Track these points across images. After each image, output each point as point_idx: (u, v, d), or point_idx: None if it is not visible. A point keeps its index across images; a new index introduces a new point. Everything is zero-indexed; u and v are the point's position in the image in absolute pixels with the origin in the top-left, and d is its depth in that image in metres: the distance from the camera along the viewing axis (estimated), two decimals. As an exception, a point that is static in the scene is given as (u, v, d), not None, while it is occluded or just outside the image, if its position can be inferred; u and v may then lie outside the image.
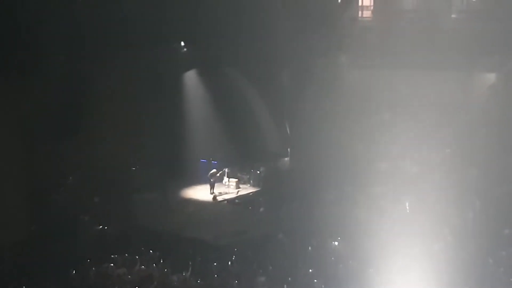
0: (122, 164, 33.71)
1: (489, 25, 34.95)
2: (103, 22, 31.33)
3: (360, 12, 39.18)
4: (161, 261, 24.53)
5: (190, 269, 23.95)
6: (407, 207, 29.31)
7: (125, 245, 26.04)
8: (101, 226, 28.49)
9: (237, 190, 34.92)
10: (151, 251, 25.40)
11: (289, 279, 23.26)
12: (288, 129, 38.00)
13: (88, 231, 28.09)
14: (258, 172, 35.81)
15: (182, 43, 36.27)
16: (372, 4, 38.82)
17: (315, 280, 23.08)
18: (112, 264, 24.18)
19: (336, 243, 25.94)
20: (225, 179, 35.22)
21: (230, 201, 33.68)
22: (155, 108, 34.66)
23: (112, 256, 24.83)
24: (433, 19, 36.47)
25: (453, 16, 37.48)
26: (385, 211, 28.81)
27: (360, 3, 38.54)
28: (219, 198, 33.92)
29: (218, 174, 34.73)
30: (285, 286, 22.85)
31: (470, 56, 34.94)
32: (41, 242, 26.53)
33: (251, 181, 35.79)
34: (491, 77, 36.74)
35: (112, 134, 33.09)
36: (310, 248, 25.64)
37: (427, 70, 35.57)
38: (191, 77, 37.23)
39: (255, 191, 34.89)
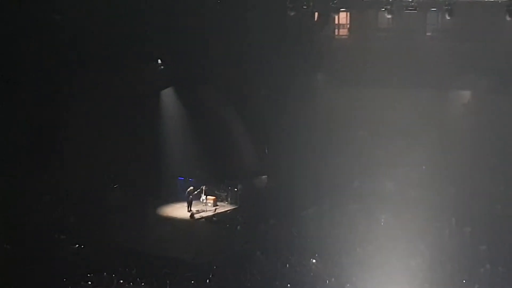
0: (98, 183, 33.55)
1: (463, 43, 35.40)
2: (80, 40, 31.28)
3: (336, 31, 39.50)
4: (138, 280, 24.37)
5: (167, 287, 23.86)
6: (382, 223, 29.44)
7: (102, 264, 25.84)
8: (77, 245, 28.25)
9: (214, 207, 34.85)
10: (127, 269, 25.25)
11: (267, 296, 23.30)
12: (266, 147, 38.05)
13: (64, 250, 27.82)
14: (236, 189, 35.77)
15: (159, 61, 36.28)
16: (348, 22, 39.14)
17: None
18: (89, 283, 24.01)
19: (314, 260, 25.98)
20: (203, 196, 35.12)
21: (207, 218, 33.58)
22: (132, 126, 34.58)
23: (88, 275, 24.66)
24: (408, 37, 36.86)
25: (428, 34, 37.89)
26: (362, 228, 28.91)
27: (336, 22, 38.83)
28: (197, 216, 33.81)
29: (195, 192, 34.64)
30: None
31: (445, 74, 35.34)
32: (16, 261, 26.23)
33: (229, 199, 35.73)
34: (465, 95, 37.13)
35: (88, 152, 32.92)
36: (287, 265, 25.65)
37: (403, 88, 35.89)
38: (168, 95, 37.23)
39: (233, 209, 34.84)
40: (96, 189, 33.04)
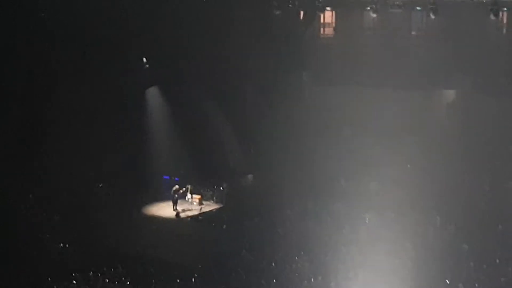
0: (83, 181, 33.43)
1: (448, 43, 35.57)
2: (65, 38, 31.17)
3: (322, 29, 39.60)
4: (123, 279, 24.35)
5: (153, 286, 23.85)
6: (367, 221, 29.53)
7: (87, 263, 25.78)
8: (62, 244, 28.15)
9: (200, 206, 34.82)
10: (113, 269, 25.21)
11: (253, 295, 23.34)
12: (251, 146, 38.06)
13: (49, 250, 27.73)
14: (221, 188, 35.76)
15: (144, 59, 36.21)
16: (333, 21, 39.25)
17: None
18: (74, 282, 23.95)
19: (299, 259, 26.04)
20: (188, 195, 35.09)
21: (193, 217, 33.55)
22: (117, 125, 34.47)
23: (73, 274, 24.60)
24: (393, 36, 37.01)
25: (413, 33, 38.06)
26: (347, 227, 29.00)
27: (321, 20, 38.93)
28: (182, 215, 33.77)
29: (181, 191, 34.60)
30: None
31: (430, 73, 35.51)
32: (0, 261, 26.12)
33: (214, 198, 35.72)
34: (450, 94, 37.32)
35: (73, 151, 32.80)
36: (273, 264, 25.70)
37: (387, 87, 36.03)
38: (153, 94, 37.17)
39: (218, 208, 34.82)
40: (81, 188, 32.91)
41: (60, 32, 31.02)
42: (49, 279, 24.27)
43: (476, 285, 23.73)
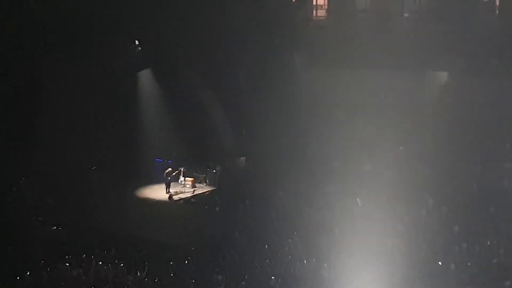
0: (76, 164, 33.39)
1: (441, 24, 35.54)
2: (56, 21, 31.00)
3: (314, 12, 39.48)
4: (117, 262, 24.39)
5: (146, 269, 23.92)
6: (359, 203, 29.58)
7: (80, 246, 25.81)
8: (55, 227, 28.16)
9: (193, 189, 34.88)
10: (106, 251, 25.24)
11: (246, 277, 23.41)
12: (243, 129, 38.02)
13: (42, 233, 27.73)
14: (214, 171, 35.81)
15: (137, 42, 36.06)
16: (326, 3, 39.13)
17: (272, 277, 23.25)
18: (67, 265, 23.99)
19: (292, 240, 26.11)
20: (181, 178, 35.12)
21: (186, 200, 33.61)
22: (110, 108, 34.40)
23: (66, 257, 24.63)
24: (386, 18, 36.93)
25: (405, 15, 37.99)
26: (340, 208, 29.05)
27: (314, 3, 38.82)
28: (175, 198, 33.83)
29: (174, 174, 34.62)
30: (242, 284, 22.95)
31: (422, 55, 35.47)
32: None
33: (207, 180, 35.77)
34: (442, 76, 37.30)
35: (66, 134, 32.74)
36: (266, 246, 25.77)
37: (380, 69, 35.98)
38: (146, 77, 37.05)
39: (211, 190, 34.88)
40: (74, 171, 32.87)
41: (51, 15, 30.83)
42: (42, 261, 24.29)
43: (468, 266, 23.86)
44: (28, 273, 23.43)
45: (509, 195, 29.79)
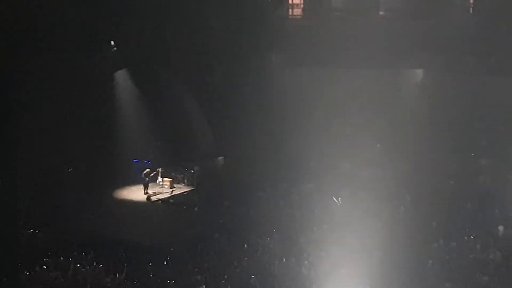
0: (52, 166, 33.15)
1: (416, 22, 35.75)
2: (32, 21, 30.76)
3: (290, 10, 39.56)
4: (95, 264, 24.25)
5: (125, 270, 23.79)
6: (338, 201, 29.67)
7: (58, 248, 25.62)
8: (32, 230, 27.94)
9: (171, 189, 34.75)
10: (84, 253, 25.10)
11: (226, 277, 23.38)
12: (222, 129, 38.00)
13: (19, 236, 27.49)
14: (192, 171, 35.71)
15: (112, 42, 35.87)
16: (302, 2, 39.22)
17: (252, 276, 23.26)
18: (45, 267, 23.83)
19: (272, 240, 26.14)
20: (159, 178, 35.00)
21: (164, 200, 33.48)
22: (86, 109, 34.17)
23: (44, 259, 24.46)
24: (362, 17, 37.09)
25: (381, 13, 38.17)
26: (319, 207, 29.14)
27: (290, 2, 38.89)
28: (153, 198, 33.68)
29: (152, 174, 34.50)
30: (222, 283, 22.94)
31: (398, 53, 35.68)
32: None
33: (186, 181, 35.66)
34: (419, 73, 37.54)
35: (41, 136, 32.47)
36: (245, 245, 25.76)
37: (357, 68, 36.14)
38: (122, 77, 36.86)
39: (190, 191, 34.78)
40: (50, 173, 32.63)
41: (25, 15, 30.58)
42: (19, 265, 24.09)
43: (446, 262, 24.03)
44: (5, 277, 23.21)
45: (486, 192, 30.11)
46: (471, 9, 36.97)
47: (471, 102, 34.80)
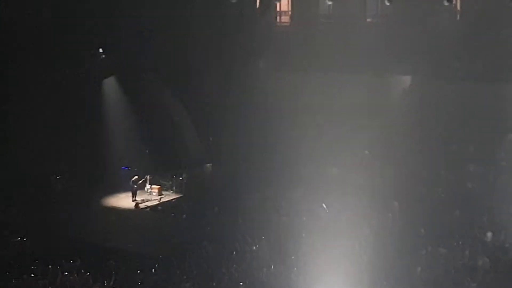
0: (40, 174, 33.03)
1: (403, 29, 35.84)
2: (19, 28, 30.68)
3: (278, 17, 39.60)
4: (83, 271, 24.15)
5: (113, 278, 23.72)
6: (326, 208, 29.68)
7: (45, 256, 25.53)
8: (20, 238, 27.80)
9: (159, 197, 34.70)
10: (72, 261, 25.00)
11: (214, 284, 23.36)
12: (209, 136, 37.97)
13: (6, 244, 27.35)
14: (181, 178, 35.67)
15: (101, 50, 35.78)
16: (289, 9, 39.28)
17: (241, 283, 23.23)
18: (32, 276, 23.72)
19: (260, 246, 26.12)
20: (147, 186, 34.93)
21: (152, 208, 33.42)
22: (74, 116, 34.10)
23: (32, 267, 24.35)
24: (349, 23, 37.16)
25: (368, 20, 38.25)
26: (307, 213, 29.14)
27: (278, 8, 38.93)
28: (141, 206, 33.63)
29: (140, 181, 34.42)
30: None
31: (385, 59, 35.74)
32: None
33: (174, 188, 35.61)
34: (406, 80, 37.63)
35: (29, 143, 32.37)
36: (234, 252, 25.73)
37: (344, 74, 36.17)
38: (110, 84, 36.77)
39: (178, 198, 34.73)
40: (38, 181, 32.52)
41: (13, 21, 30.50)
42: (7, 273, 23.98)
43: (434, 268, 24.07)
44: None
45: (474, 198, 30.18)
46: (458, 15, 37.11)
47: (459, 108, 34.87)
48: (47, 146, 33.09)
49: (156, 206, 33.64)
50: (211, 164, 37.71)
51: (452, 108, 35.09)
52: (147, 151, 35.87)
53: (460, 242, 26.00)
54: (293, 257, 24.93)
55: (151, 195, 34.68)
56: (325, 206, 29.68)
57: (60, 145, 33.68)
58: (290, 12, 39.32)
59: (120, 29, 33.49)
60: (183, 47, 34.71)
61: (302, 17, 39.05)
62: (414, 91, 37.04)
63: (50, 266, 24.42)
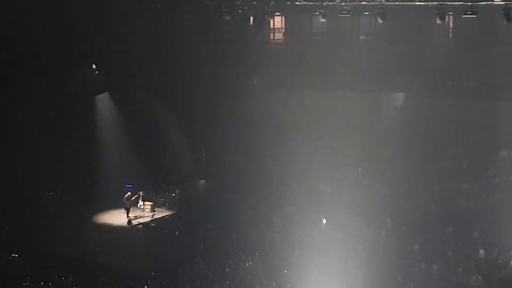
0: (32, 190, 32.90)
1: (396, 46, 36.07)
2: (12, 43, 30.67)
3: (271, 35, 39.79)
4: (75, 288, 24.11)
5: (105, 295, 23.66)
6: (323, 224, 29.68)
7: (37, 273, 25.40)
8: (12, 254, 27.66)
9: (152, 213, 34.59)
10: (64, 278, 24.88)
11: (207, 301, 23.31)
12: (203, 152, 37.93)
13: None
14: (174, 194, 35.59)
15: (94, 66, 35.80)
16: (283, 26, 39.47)
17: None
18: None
19: (253, 263, 26.05)
20: (140, 202, 34.83)
21: (145, 224, 33.30)
22: (67, 132, 34.01)
23: (24, 284, 24.21)
24: (342, 41, 37.36)
25: (361, 38, 38.47)
26: (300, 230, 29.10)
27: (271, 26, 39.11)
28: (134, 222, 33.51)
29: (133, 198, 34.32)
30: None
31: (378, 76, 35.93)
32: None
33: (167, 204, 35.51)
34: (399, 97, 37.78)
35: (21, 159, 32.25)
36: (227, 269, 25.67)
37: (337, 91, 36.32)
38: (103, 100, 36.75)
39: (171, 214, 34.64)
40: (30, 197, 32.38)
41: (7, 37, 30.48)
42: (-1, 290, 23.91)
43: (427, 285, 24.05)
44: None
45: (467, 215, 30.22)
46: (450, 33, 37.35)
47: (452, 125, 35.02)
48: (39, 162, 32.96)
49: (149, 222, 33.53)
50: (204, 181, 37.64)
51: (444, 125, 35.21)
52: (140, 167, 35.72)
53: (453, 259, 26.03)
54: (286, 274, 24.85)
55: (144, 212, 34.56)
56: (324, 221, 29.68)
57: (52, 162, 33.56)
58: (283, 30, 39.54)
59: (113, 46, 33.50)
60: (176, 63, 34.75)
61: (296, 34, 39.25)
62: (407, 108, 37.18)
63: (42, 283, 24.32)
